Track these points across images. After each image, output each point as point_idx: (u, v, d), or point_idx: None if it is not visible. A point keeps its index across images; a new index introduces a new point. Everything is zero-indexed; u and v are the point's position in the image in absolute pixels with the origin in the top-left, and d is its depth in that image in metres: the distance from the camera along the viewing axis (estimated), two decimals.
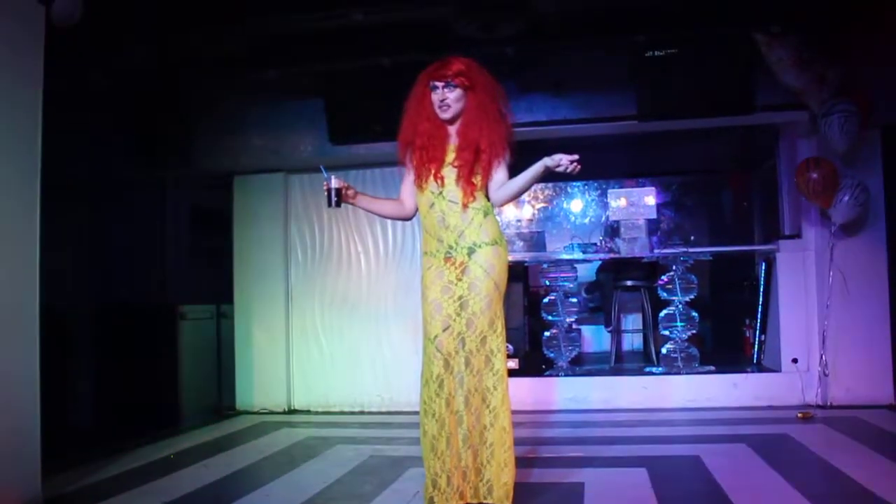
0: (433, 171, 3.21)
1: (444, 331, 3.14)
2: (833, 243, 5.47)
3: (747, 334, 6.74)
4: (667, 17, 5.15)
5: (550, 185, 8.63)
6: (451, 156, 3.22)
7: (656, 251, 6.36)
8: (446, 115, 3.22)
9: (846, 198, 5.27)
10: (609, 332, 7.21)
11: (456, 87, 3.19)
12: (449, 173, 3.20)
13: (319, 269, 6.47)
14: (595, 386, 5.97)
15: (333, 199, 3.19)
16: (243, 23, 5.08)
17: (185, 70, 5.60)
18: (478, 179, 3.20)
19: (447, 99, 3.19)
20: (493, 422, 3.14)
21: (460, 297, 3.16)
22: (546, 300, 6.39)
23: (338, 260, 6.45)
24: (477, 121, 3.21)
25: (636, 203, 6.46)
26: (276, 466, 4.30)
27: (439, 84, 3.20)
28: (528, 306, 6.99)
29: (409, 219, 3.51)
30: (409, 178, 3.35)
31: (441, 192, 3.19)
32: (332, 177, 3.19)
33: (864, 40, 5.11)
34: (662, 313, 6.20)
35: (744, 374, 5.84)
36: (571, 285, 6.42)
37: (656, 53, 5.31)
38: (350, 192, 3.27)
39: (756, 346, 6.41)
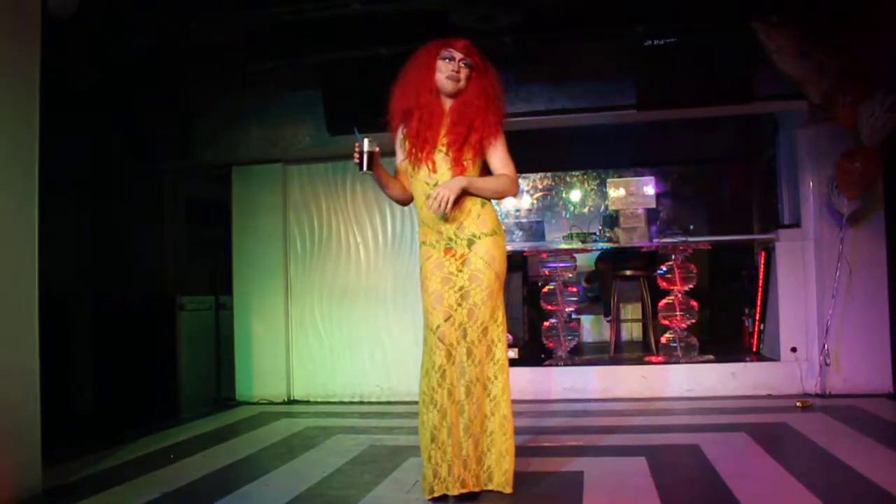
0: (424, 154, 3.18)
1: (445, 321, 3.14)
2: (843, 234, 5.45)
3: (746, 323, 6.75)
4: (665, 6, 5.14)
5: (549, 174, 8.64)
6: (443, 138, 3.19)
7: (655, 240, 6.35)
8: (452, 88, 3.19)
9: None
10: (608, 321, 7.22)
11: (469, 65, 3.18)
12: (441, 159, 3.18)
13: (318, 260, 6.47)
14: (594, 375, 5.97)
15: (365, 162, 3.08)
16: (241, 13, 5.07)
17: (182, 61, 5.59)
18: (467, 160, 3.17)
19: (459, 72, 3.17)
20: (493, 410, 3.16)
21: (461, 288, 3.16)
22: (545, 290, 6.39)
23: (337, 250, 6.45)
24: (475, 100, 3.19)
25: (635, 192, 6.45)
26: (276, 456, 4.31)
27: (457, 56, 3.17)
28: (528, 296, 6.99)
29: (407, 204, 3.46)
30: (401, 156, 3.33)
31: (436, 183, 3.17)
32: (366, 139, 3.09)
33: (864, 30, 5.09)
34: (662, 303, 6.20)
35: (743, 364, 5.84)
36: (571, 275, 6.42)
37: (655, 43, 5.29)
38: (379, 161, 3.20)
39: (755, 336, 6.42)
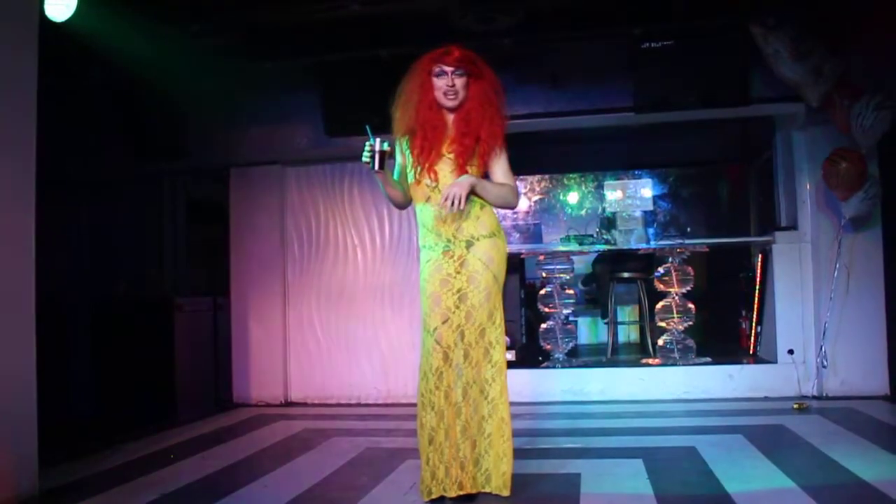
0: (429, 164, 3.19)
1: (443, 323, 3.14)
2: (841, 237, 5.45)
3: (743, 326, 6.76)
4: (663, 9, 5.15)
5: (547, 176, 8.65)
6: (447, 147, 3.20)
7: (653, 243, 6.36)
8: (452, 104, 3.19)
9: (860, 192, 5.24)
10: (605, 323, 7.22)
11: (464, 74, 3.18)
12: (443, 167, 3.19)
13: (316, 262, 6.47)
14: (591, 377, 5.98)
15: (377, 161, 3.09)
16: (239, 14, 5.06)
17: (180, 63, 5.58)
18: (472, 168, 3.18)
19: (455, 85, 3.17)
20: (491, 413, 3.15)
21: (459, 290, 3.16)
22: (542, 292, 6.39)
23: (334, 252, 6.44)
24: (480, 109, 3.19)
25: (633, 195, 6.46)
26: (273, 458, 4.31)
27: (448, 69, 3.16)
28: (525, 298, 6.99)
29: (404, 208, 3.47)
30: (400, 160, 3.34)
31: (437, 187, 3.18)
32: (377, 139, 3.10)
33: (861, 33, 5.10)
34: (659, 305, 6.20)
35: (740, 366, 5.85)
36: (568, 277, 6.42)
37: (653, 45, 5.30)
38: (390, 161, 3.23)
39: (752, 338, 6.43)
